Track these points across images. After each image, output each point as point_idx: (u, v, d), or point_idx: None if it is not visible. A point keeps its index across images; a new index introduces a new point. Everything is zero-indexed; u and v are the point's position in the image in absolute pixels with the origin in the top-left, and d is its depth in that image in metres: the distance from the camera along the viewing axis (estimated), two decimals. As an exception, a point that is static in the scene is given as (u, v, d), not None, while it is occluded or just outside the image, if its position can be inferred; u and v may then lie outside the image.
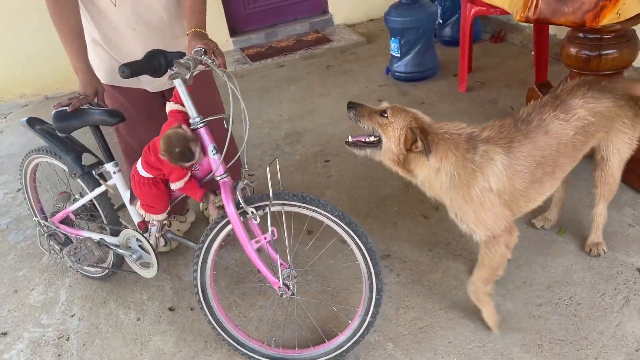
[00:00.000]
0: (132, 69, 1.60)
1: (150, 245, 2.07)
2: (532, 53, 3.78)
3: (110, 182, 2.11)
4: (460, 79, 3.68)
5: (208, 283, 1.94)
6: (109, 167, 2.08)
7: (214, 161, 1.78)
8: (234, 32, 5.16)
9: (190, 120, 1.76)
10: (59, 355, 2.12)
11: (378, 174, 2.90)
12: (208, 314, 1.96)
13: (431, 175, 1.73)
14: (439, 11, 4.34)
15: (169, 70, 1.69)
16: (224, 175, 1.79)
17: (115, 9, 2.00)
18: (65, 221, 2.31)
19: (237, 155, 1.85)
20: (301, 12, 5.33)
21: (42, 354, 2.14)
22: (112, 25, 2.05)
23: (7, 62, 4.52)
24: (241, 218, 1.78)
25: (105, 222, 2.22)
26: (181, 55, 1.70)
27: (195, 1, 2.01)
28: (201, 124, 1.76)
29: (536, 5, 1.84)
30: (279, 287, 1.83)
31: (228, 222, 1.82)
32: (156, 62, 1.65)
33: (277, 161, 1.82)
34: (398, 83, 3.96)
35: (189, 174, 1.82)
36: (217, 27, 4.95)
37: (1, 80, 4.64)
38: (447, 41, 4.43)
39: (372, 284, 1.82)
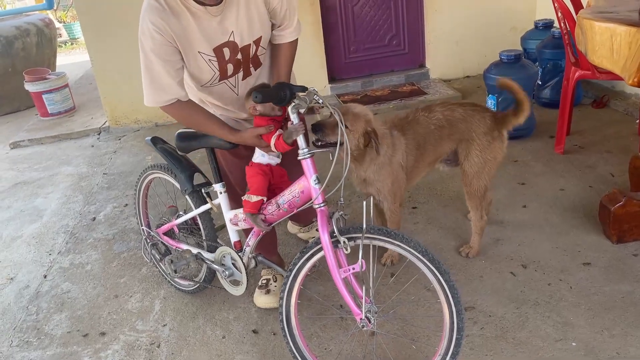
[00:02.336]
0: (263, 95, 1.75)
1: (243, 264, 2.20)
2: (638, 121, 3.68)
3: (215, 202, 2.27)
4: (557, 140, 3.63)
5: (292, 311, 2.01)
6: (217, 187, 2.24)
7: (315, 190, 1.89)
8: (332, 79, 5.40)
9: (299, 151, 1.89)
10: (150, 359, 2.26)
11: (466, 225, 2.90)
12: (290, 341, 2.02)
13: (373, 160, 2.28)
14: (540, 73, 4.33)
15: (291, 101, 1.84)
16: (322, 204, 1.89)
17: (236, 97, 2.20)
18: (169, 233, 2.50)
19: (338, 186, 1.94)
20: (398, 65, 5.50)
21: (135, 356, 2.28)
22: (228, 102, 2.23)
23: (128, 91, 5.02)
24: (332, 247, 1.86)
25: (204, 238, 2.38)
26: (304, 89, 1.85)
27: (290, 57, 2.23)
28: (309, 155, 1.88)
29: (649, 70, 1.83)
30: (361, 319, 1.87)
31: (318, 251, 1.91)
32: (282, 92, 1.81)
33: (372, 198, 1.91)
34: (491, 139, 3.95)
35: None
36: (317, 73, 5.23)
37: (121, 106, 5.15)
38: (545, 103, 4.39)
39: (452, 322, 1.81)
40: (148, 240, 2.54)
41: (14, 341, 2.49)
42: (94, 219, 3.52)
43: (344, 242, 1.85)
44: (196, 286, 2.55)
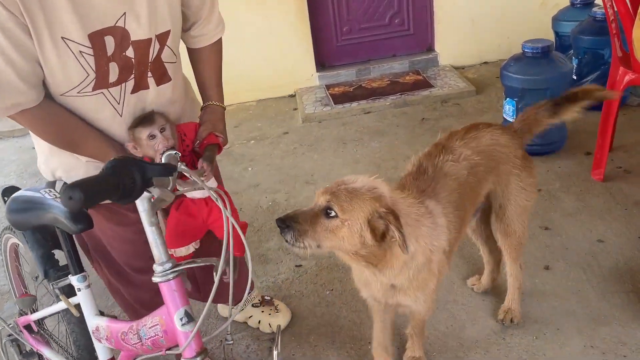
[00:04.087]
0: (84, 190, 0.94)
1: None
2: None
3: (74, 300, 1.51)
4: (596, 163, 2.75)
5: None
6: (73, 280, 1.47)
7: (183, 335, 1.11)
8: (321, 66, 4.53)
9: (156, 267, 1.10)
10: None
11: (462, 288, 2.10)
12: None
13: (407, 264, 1.42)
14: (575, 65, 3.40)
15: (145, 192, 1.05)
16: (198, 358, 1.12)
17: (119, 120, 1.42)
18: (29, 328, 1.76)
19: (224, 326, 1.15)
20: (401, 49, 4.59)
21: None
22: (104, 125, 1.43)
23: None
24: None
25: (72, 347, 1.63)
26: (170, 171, 1.05)
27: (216, 65, 1.62)
28: (172, 274, 1.09)
29: None
30: None
31: None
32: (128, 179, 1.01)
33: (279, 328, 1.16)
34: (509, 155, 3.09)
35: None
36: (302, 60, 4.37)
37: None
38: (580, 104, 3.46)
39: None
40: (6, 333, 1.80)
41: None
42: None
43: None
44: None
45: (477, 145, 1.68)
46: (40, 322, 1.72)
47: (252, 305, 2.12)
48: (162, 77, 1.46)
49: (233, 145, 3.69)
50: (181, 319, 1.10)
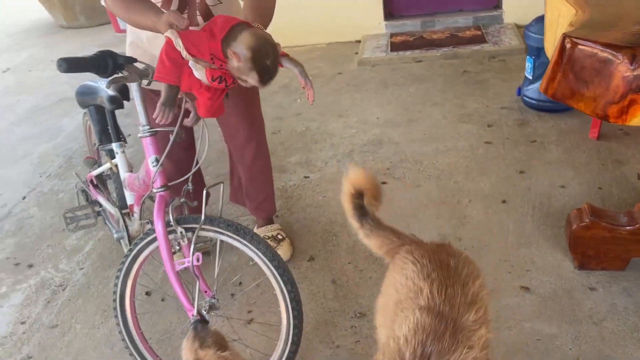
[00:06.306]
0: (69, 63, 1.56)
1: (127, 231, 2.16)
2: None
3: (114, 161, 2.22)
4: (593, 122, 2.95)
5: (128, 294, 1.86)
6: (113, 147, 2.17)
7: (151, 172, 1.74)
8: (389, 15, 4.88)
9: (139, 127, 1.73)
10: (48, 302, 2.37)
11: (424, 215, 2.54)
12: (122, 324, 1.86)
13: None
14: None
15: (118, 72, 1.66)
16: (161, 189, 1.74)
17: None
18: (92, 182, 2.52)
19: (188, 176, 1.76)
20: (468, 4, 4.78)
21: (40, 294, 2.42)
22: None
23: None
24: (170, 236, 1.74)
25: (115, 196, 2.37)
26: (131, 60, 1.66)
27: None
28: (148, 133, 1.72)
29: (555, 79, 1.33)
30: (193, 315, 1.76)
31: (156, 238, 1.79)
32: (102, 61, 1.61)
33: (223, 185, 1.76)
34: (524, 109, 3.34)
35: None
36: (371, 6, 4.76)
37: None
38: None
39: (288, 334, 1.78)
40: (79, 184, 2.59)
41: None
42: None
43: (181, 232, 1.73)
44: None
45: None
46: (99, 178, 2.47)
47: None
48: None
49: (292, 80, 4.25)
50: (152, 162, 1.72)
